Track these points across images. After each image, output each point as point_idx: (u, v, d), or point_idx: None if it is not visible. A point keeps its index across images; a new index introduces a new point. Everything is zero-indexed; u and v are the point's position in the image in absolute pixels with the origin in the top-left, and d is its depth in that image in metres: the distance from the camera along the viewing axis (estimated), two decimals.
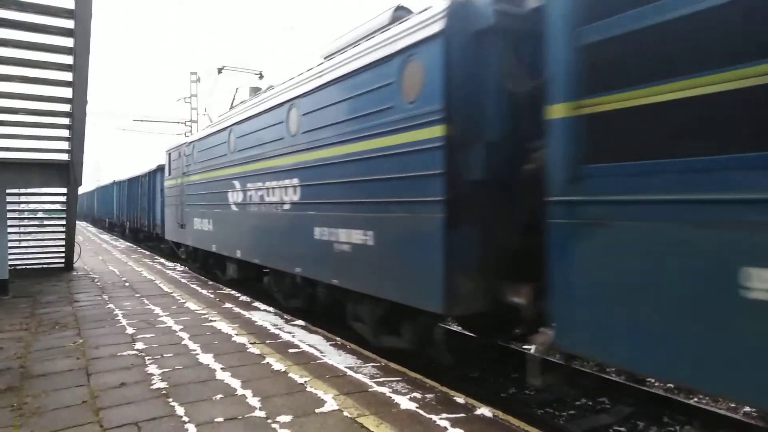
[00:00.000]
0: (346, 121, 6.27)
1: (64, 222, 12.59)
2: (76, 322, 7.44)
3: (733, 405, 5.52)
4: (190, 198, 12.94)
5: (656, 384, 6.04)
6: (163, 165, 16.65)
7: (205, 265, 13.17)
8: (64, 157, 10.45)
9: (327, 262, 6.70)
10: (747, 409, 5.43)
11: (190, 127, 33.50)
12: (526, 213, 4.51)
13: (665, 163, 3.08)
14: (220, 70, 16.21)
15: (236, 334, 6.73)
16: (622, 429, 5.02)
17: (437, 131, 4.80)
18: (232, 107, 11.47)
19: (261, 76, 16.73)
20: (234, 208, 9.94)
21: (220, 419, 3.99)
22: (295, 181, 7.52)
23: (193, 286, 11.18)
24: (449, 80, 4.70)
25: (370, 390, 4.68)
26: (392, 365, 5.56)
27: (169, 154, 15.19)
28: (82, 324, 7.34)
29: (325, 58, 7.37)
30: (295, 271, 7.64)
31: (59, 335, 6.72)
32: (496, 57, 4.68)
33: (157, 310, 8.37)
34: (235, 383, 4.81)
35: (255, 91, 11.17)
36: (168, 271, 13.69)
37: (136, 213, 23.52)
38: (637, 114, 3.23)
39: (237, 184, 9.73)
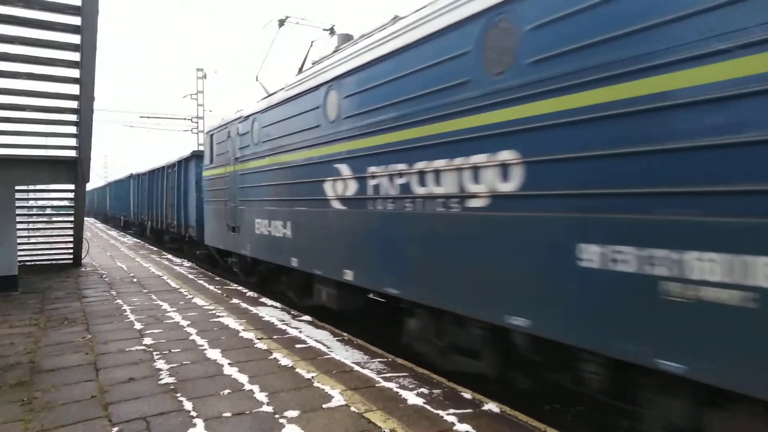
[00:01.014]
0: None
1: (72, 218, 12.65)
2: (84, 318, 7.49)
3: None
4: (248, 192, 9.61)
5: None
6: (200, 151, 14.32)
7: (270, 281, 9.92)
8: (72, 153, 10.50)
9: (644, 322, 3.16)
10: None
11: (197, 123, 33.59)
12: None
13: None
14: (282, 22, 11.82)
15: (243, 330, 6.75)
16: (629, 425, 4.98)
17: None
18: (302, 70, 8.65)
19: (332, 32, 12.64)
20: (338, 205, 6.59)
21: (228, 414, 4.00)
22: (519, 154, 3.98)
23: (201, 281, 11.23)
24: None
25: (377, 385, 4.68)
26: (399, 361, 5.55)
27: (211, 136, 11.88)
28: (91, 319, 7.38)
29: None
30: (513, 323, 4.06)
31: (68, 331, 6.76)
32: None
33: (165, 305, 8.41)
34: (243, 378, 4.83)
35: (345, 39, 8.17)
36: (175, 267, 13.75)
37: (159, 211, 19.83)
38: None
39: (346, 168, 6.39)
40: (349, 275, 6.38)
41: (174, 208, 17.29)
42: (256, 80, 10.96)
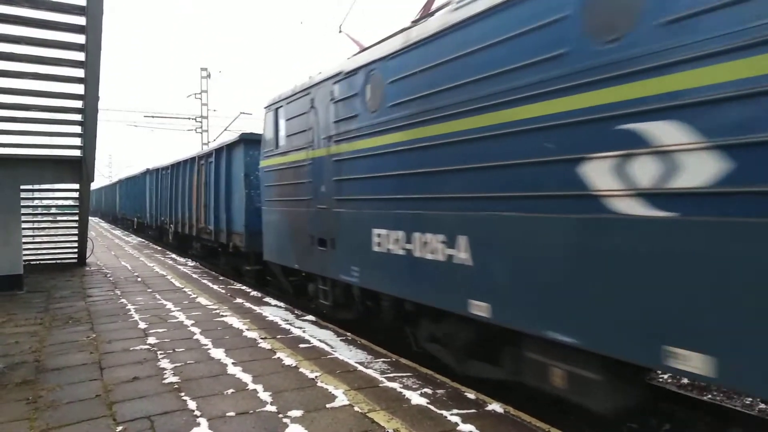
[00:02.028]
0: None
1: (76, 218, 12.69)
2: (89, 317, 7.51)
3: (748, 401, 5.45)
4: (354, 186, 6.42)
5: (669, 381, 5.98)
6: (252, 134, 11.04)
7: (395, 326, 6.44)
8: (77, 153, 10.54)
9: None
10: (762, 405, 5.36)
11: (201, 123, 33.65)
12: None
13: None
14: None
15: (247, 329, 6.76)
16: (634, 425, 4.97)
17: None
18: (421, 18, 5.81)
19: None
20: (632, 207, 3.32)
21: (232, 413, 4.01)
22: None
23: (205, 281, 11.25)
24: None
25: (381, 385, 4.68)
26: (403, 361, 5.55)
27: (275, 112, 8.64)
28: (95, 319, 7.41)
29: None
30: None
31: (73, 330, 6.79)
32: None
33: (169, 305, 8.43)
34: (247, 378, 4.83)
35: None
36: (179, 267, 13.79)
37: (187, 212, 15.93)
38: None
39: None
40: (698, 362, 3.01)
41: (210, 210, 13.27)
42: (340, 32, 8.92)
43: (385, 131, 5.71)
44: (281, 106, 8.49)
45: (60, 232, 14.50)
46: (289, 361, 5.38)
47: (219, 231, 12.73)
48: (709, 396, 5.60)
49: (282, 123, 8.51)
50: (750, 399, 5.46)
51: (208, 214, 13.58)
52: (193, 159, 15.60)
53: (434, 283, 5.08)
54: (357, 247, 6.31)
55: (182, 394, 4.43)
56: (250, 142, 11.18)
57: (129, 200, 29.72)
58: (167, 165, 19.11)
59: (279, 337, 6.43)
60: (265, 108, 9.11)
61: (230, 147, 12.16)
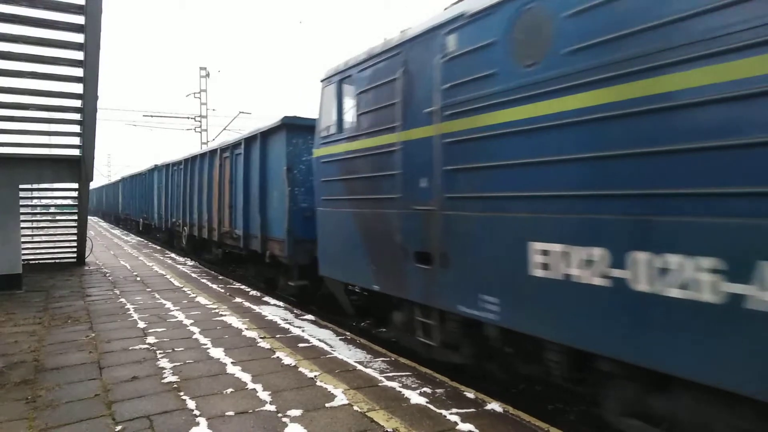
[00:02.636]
0: None
1: (75, 217, 12.68)
2: (88, 317, 7.51)
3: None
4: (487, 179, 4.52)
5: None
6: (295, 118, 9.07)
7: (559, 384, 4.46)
8: (75, 152, 10.53)
9: None
10: None
11: (200, 122, 33.64)
12: None
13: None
14: None
15: (246, 329, 6.76)
16: (635, 423, 4.97)
17: None
18: None
19: None
20: None
21: (231, 413, 4.01)
22: None
23: (204, 280, 11.24)
24: None
25: (380, 384, 4.68)
26: (402, 360, 5.55)
27: (338, 86, 6.74)
28: (95, 318, 7.40)
29: None
30: None
31: (72, 329, 6.78)
32: None
33: (168, 304, 8.42)
34: (246, 377, 4.83)
35: None
36: (179, 266, 13.78)
37: (206, 214, 13.66)
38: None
39: None
40: None
41: (237, 211, 11.19)
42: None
43: (558, 92, 3.82)
44: (348, 77, 6.53)
45: (59, 231, 14.49)
46: (288, 360, 5.38)
47: (250, 236, 10.52)
48: None
49: (349, 99, 6.63)
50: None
51: (235, 217, 11.39)
52: (213, 152, 13.19)
53: (702, 341, 2.95)
54: (494, 267, 4.35)
55: (181, 393, 4.43)
56: (294, 128, 9.00)
57: (133, 199, 27.14)
58: (179, 160, 16.60)
59: (278, 336, 6.43)
60: (322, 81, 7.11)
61: (267, 135, 9.89)
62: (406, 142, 5.41)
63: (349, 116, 6.63)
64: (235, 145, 11.59)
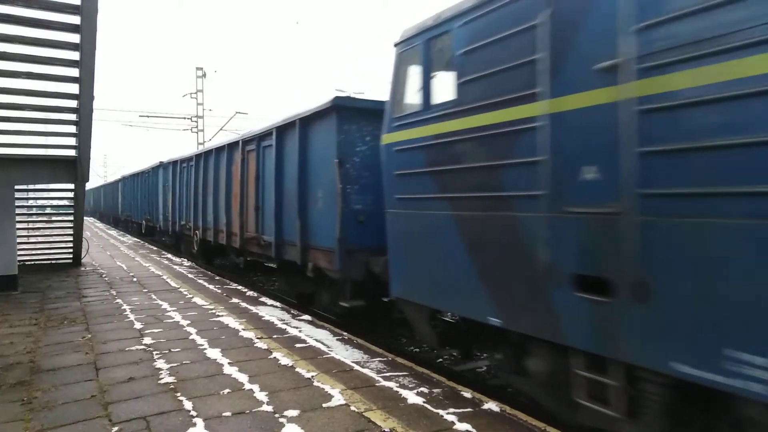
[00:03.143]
0: None
1: (71, 218, 12.64)
2: (84, 318, 7.49)
3: None
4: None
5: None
6: (341, 101, 7.34)
7: None
8: (71, 153, 10.49)
9: None
10: None
11: (197, 122, 33.58)
12: None
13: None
14: None
15: (243, 329, 6.75)
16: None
17: None
18: None
19: None
20: None
21: (228, 414, 4.00)
22: None
23: (200, 281, 11.22)
24: None
25: (377, 384, 4.68)
26: (399, 360, 5.56)
27: (427, 47, 5.23)
28: (91, 319, 7.38)
29: None
30: None
31: (68, 330, 6.76)
32: None
33: (165, 305, 8.41)
34: (243, 378, 4.83)
35: None
36: (175, 267, 13.75)
37: (223, 216, 11.81)
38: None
39: None
40: None
41: (266, 214, 9.46)
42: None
43: None
44: (443, 33, 4.98)
45: (55, 232, 14.44)
46: (285, 360, 5.38)
47: (285, 245, 8.75)
48: None
49: (444, 64, 5.05)
50: None
51: (262, 220, 9.62)
52: (233, 145, 11.29)
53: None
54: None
55: (178, 394, 4.42)
56: (347, 111, 7.16)
57: (135, 200, 25.07)
58: (190, 155, 15.04)
59: (275, 336, 6.42)
60: (398, 45, 5.65)
61: (308, 121, 7.96)
62: (557, 114, 3.80)
63: (444, 87, 5.01)
64: (263, 136, 9.64)
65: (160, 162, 19.21)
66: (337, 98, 7.25)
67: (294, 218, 8.26)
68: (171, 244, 18.73)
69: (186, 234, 15.56)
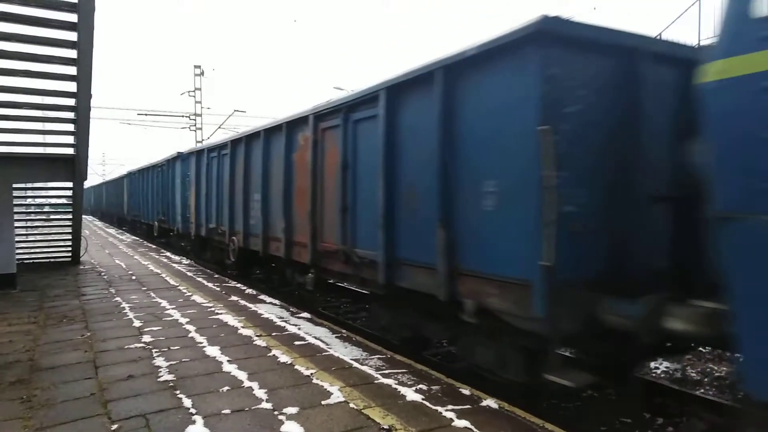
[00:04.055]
0: None
1: (70, 216, 12.63)
2: (83, 316, 7.49)
3: (740, 396, 5.49)
4: None
5: (661, 375, 6.03)
6: (549, 26, 3.93)
7: None
8: (69, 151, 10.48)
9: None
10: None
11: (195, 120, 33.54)
12: None
13: None
14: None
15: (242, 327, 6.76)
16: (628, 420, 5.02)
17: None
18: None
19: None
20: None
21: (227, 411, 4.01)
22: None
23: (199, 279, 11.22)
24: None
25: (376, 382, 4.69)
26: (398, 357, 5.57)
27: None
28: (90, 317, 7.38)
29: None
30: None
31: (67, 328, 6.76)
32: None
33: (164, 303, 8.41)
34: (242, 375, 4.83)
35: None
36: (174, 265, 13.75)
37: (278, 220, 8.64)
38: None
39: None
40: None
41: (362, 219, 6.43)
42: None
43: None
44: None
45: (53, 230, 14.43)
46: (284, 358, 5.39)
47: (404, 266, 5.66)
48: (701, 390, 5.65)
49: None
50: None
51: (352, 227, 6.55)
52: (295, 123, 8.11)
53: None
54: None
55: (177, 392, 4.43)
56: (561, 43, 4.07)
57: (145, 198, 21.96)
58: (222, 142, 11.83)
59: (274, 334, 6.43)
60: None
61: (465, 67, 4.80)
62: None
63: None
64: (356, 105, 6.50)
65: (178, 153, 16.21)
66: (545, 19, 3.95)
67: (429, 226, 5.10)
68: (191, 250, 15.42)
69: (216, 240, 12.25)
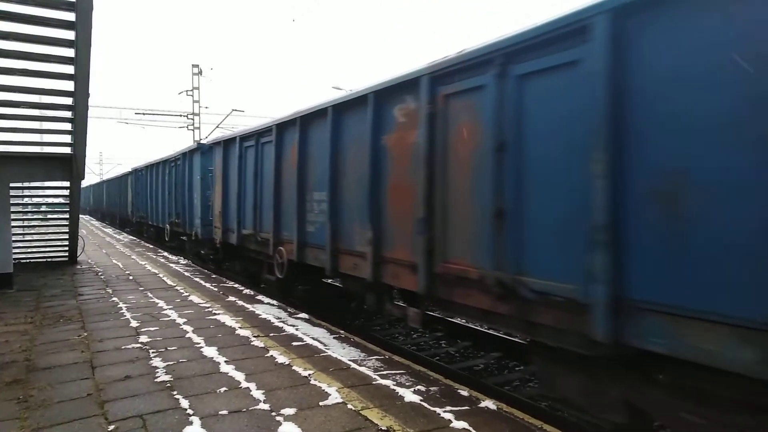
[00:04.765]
0: None
1: (67, 215, 12.60)
2: (80, 316, 7.46)
3: None
4: None
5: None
6: None
7: None
8: (67, 150, 10.45)
9: None
10: None
11: (193, 120, 33.48)
12: None
13: None
14: None
15: (240, 327, 6.74)
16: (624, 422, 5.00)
17: None
18: None
19: None
20: None
21: (225, 412, 3.99)
22: None
23: (197, 279, 11.20)
24: None
25: (374, 383, 4.68)
26: (396, 358, 5.56)
27: None
28: (87, 317, 7.36)
29: None
30: None
31: (64, 328, 6.73)
32: None
33: (161, 303, 8.38)
34: (240, 376, 4.82)
35: None
36: (171, 265, 13.71)
37: (365, 233, 6.05)
38: None
39: None
40: None
41: (538, 232, 3.96)
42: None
43: None
44: None
45: (50, 230, 14.39)
46: (282, 359, 5.37)
47: (640, 311, 3.23)
48: None
49: None
50: None
51: (515, 242, 4.14)
52: (385, 93, 5.89)
53: None
54: None
55: (174, 392, 4.41)
56: None
57: (154, 197, 19.41)
58: (264, 127, 9.18)
59: (272, 335, 6.42)
60: None
61: None
62: None
63: None
64: (519, 52, 4.14)
65: (198, 143, 14.18)
66: None
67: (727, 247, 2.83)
68: (213, 260, 13.04)
69: (252, 249, 9.84)
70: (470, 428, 3.72)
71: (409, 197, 5.40)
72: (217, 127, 30.92)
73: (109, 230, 28.98)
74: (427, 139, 5.09)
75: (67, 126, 9.61)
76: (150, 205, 20.28)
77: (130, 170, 26.03)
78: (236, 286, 10.36)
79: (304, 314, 7.72)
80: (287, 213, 8.24)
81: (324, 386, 4.54)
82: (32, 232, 15.11)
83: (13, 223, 11.21)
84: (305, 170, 7.69)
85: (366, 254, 6.07)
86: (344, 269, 6.72)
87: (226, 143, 11.11)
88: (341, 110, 6.78)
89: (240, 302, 8.54)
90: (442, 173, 4.98)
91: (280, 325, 6.95)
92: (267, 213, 8.97)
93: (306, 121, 7.67)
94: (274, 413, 3.97)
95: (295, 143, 7.88)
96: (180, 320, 7.14)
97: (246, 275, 10.86)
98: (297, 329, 6.72)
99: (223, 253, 11.81)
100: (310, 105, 7.62)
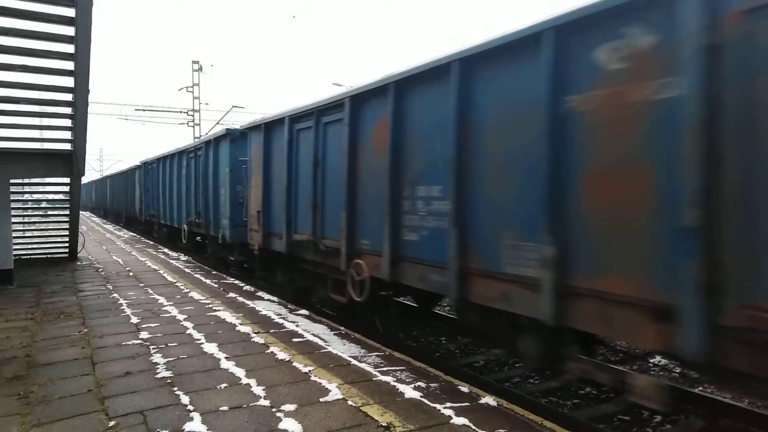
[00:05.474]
0: None
1: (67, 212, 12.59)
2: (80, 312, 7.47)
3: (737, 394, 5.50)
4: None
5: (660, 373, 6.03)
6: None
7: None
8: (67, 146, 10.44)
9: None
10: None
11: (193, 116, 33.44)
12: None
13: None
14: None
15: (240, 324, 6.75)
16: (627, 417, 5.02)
17: None
18: None
19: None
20: None
21: (225, 408, 4.00)
22: None
23: (197, 275, 11.20)
24: None
25: (374, 379, 4.68)
26: (396, 354, 5.56)
27: None
28: (87, 313, 7.36)
29: None
30: None
31: (64, 324, 6.74)
32: None
33: (162, 299, 8.39)
34: (240, 372, 4.82)
35: None
36: (172, 261, 13.72)
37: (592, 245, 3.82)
38: None
39: None
40: None
41: None
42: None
43: None
44: None
45: (51, 226, 14.39)
46: (282, 355, 5.38)
47: None
48: (700, 388, 5.66)
49: None
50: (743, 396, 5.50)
51: None
52: (615, 10, 3.52)
53: None
54: None
55: (175, 388, 4.42)
56: None
57: (168, 194, 17.28)
58: (329, 101, 7.17)
59: (272, 331, 6.42)
60: None
61: None
62: None
63: None
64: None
65: (227, 130, 11.69)
66: None
67: None
68: (241, 266, 11.39)
69: (310, 260, 8.01)
70: (470, 424, 3.72)
71: (639, 192, 3.49)
72: (218, 123, 30.87)
73: (109, 226, 28.98)
74: (702, 92, 3.07)
75: (67, 122, 9.60)
76: (162, 202, 18.01)
77: (138, 164, 23.05)
78: (236, 282, 10.36)
79: (304, 311, 7.72)
80: (369, 214, 6.38)
81: (324, 382, 4.55)
82: (33, 228, 15.11)
83: (14, 220, 11.21)
84: (402, 156, 5.80)
85: (540, 281, 4.11)
86: (480, 299, 4.81)
87: (268, 126, 9.13)
88: (474, 64, 4.82)
89: (240, 298, 8.54)
90: (736, 149, 2.97)
91: (281, 321, 6.96)
92: (334, 213, 7.06)
93: (404, 87, 5.74)
94: (274, 409, 3.98)
95: (384, 120, 5.97)
96: (180, 316, 7.15)
97: (300, 293, 8.96)
98: (297, 326, 6.72)
99: (260, 262, 9.95)
100: (407, 67, 5.72)
